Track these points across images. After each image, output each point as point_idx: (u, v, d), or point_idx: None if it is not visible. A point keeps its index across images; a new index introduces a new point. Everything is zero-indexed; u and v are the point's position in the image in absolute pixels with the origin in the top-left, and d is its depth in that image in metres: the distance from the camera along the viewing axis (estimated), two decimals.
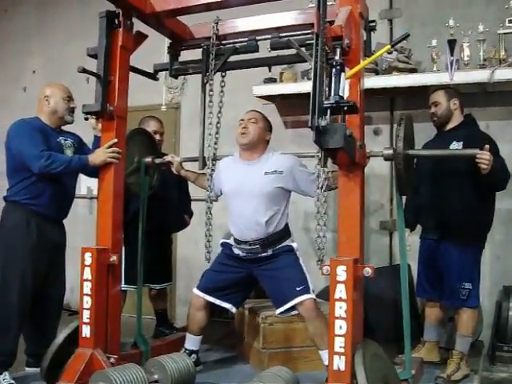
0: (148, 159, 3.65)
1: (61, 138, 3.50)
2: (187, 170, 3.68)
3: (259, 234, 3.33)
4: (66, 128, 3.59)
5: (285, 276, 3.29)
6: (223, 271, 3.50)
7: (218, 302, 3.46)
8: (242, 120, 3.46)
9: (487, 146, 3.02)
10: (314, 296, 3.26)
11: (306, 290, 3.23)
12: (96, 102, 3.07)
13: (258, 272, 3.42)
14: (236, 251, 3.46)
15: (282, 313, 3.32)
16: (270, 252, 3.37)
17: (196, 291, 3.52)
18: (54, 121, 3.48)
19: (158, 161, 3.67)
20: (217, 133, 3.43)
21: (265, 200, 3.33)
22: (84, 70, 3.03)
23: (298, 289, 3.23)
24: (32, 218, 3.33)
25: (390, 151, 2.84)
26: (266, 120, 3.53)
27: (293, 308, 3.26)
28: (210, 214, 3.45)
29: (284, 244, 3.39)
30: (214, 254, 3.54)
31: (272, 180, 3.33)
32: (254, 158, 3.44)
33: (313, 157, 2.98)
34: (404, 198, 3.13)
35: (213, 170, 3.50)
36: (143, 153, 3.68)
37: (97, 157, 3.20)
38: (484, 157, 3.00)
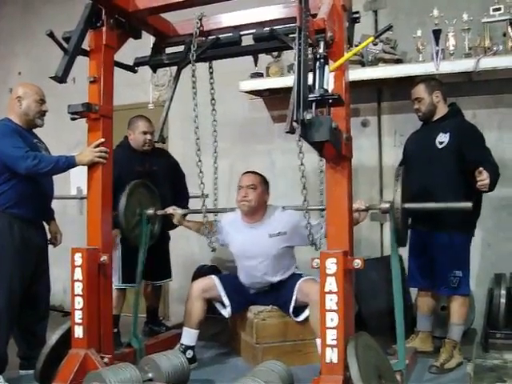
0: (150, 211, 3.66)
1: (35, 140, 3.49)
2: (189, 221, 3.74)
3: (269, 282, 3.59)
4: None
5: (286, 286, 3.54)
6: (234, 284, 3.69)
7: (223, 293, 3.60)
8: (240, 186, 3.54)
9: (481, 169, 3.10)
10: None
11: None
12: (57, 72, 2.98)
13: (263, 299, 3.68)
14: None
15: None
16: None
17: (213, 277, 3.69)
18: (24, 122, 3.44)
19: (159, 212, 3.70)
20: (197, 128, 3.38)
21: (272, 261, 3.52)
22: (51, 34, 2.98)
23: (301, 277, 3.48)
24: (14, 222, 3.31)
25: (387, 205, 2.94)
26: (263, 181, 3.61)
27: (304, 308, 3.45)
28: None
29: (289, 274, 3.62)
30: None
31: (277, 242, 3.49)
32: (256, 221, 3.58)
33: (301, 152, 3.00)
34: None
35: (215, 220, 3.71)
36: (145, 205, 3.71)
37: (84, 156, 3.18)
38: (485, 183, 3.11)
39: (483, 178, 3.11)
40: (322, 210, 3.27)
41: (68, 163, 3.23)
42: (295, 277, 3.58)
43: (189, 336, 3.57)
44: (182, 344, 3.56)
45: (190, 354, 3.48)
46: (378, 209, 3.01)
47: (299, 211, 3.36)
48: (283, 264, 3.57)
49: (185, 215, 3.70)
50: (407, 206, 2.98)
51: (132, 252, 3.73)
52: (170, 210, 3.67)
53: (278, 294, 3.59)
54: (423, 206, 3.21)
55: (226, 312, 3.67)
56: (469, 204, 2.97)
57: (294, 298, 3.46)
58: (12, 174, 3.27)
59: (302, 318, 3.50)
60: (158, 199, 3.85)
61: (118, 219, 3.50)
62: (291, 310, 3.49)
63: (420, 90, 3.59)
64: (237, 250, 3.65)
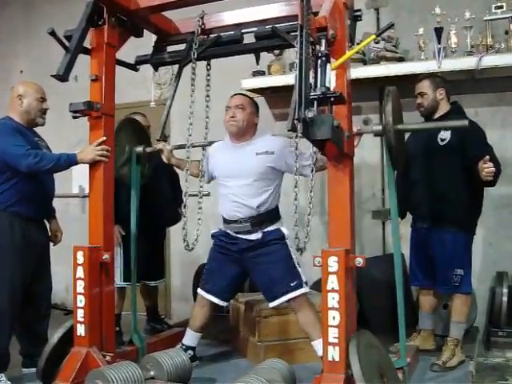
0: (139, 148, 3.63)
1: (36, 138, 3.49)
2: (178, 159, 3.64)
3: (250, 213, 3.33)
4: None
5: (278, 271, 3.29)
6: (220, 270, 3.48)
7: (218, 301, 3.48)
8: (228, 107, 3.42)
9: (488, 157, 3.09)
10: (307, 289, 3.27)
11: (299, 285, 3.25)
12: (59, 70, 2.96)
13: (250, 265, 3.40)
14: (225, 242, 3.45)
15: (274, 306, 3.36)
16: (259, 235, 3.34)
17: (202, 292, 3.52)
18: (25, 121, 3.44)
19: (149, 149, 3.66)
20: (190, 117, 3.40)
21: (257, 180, 3.33)
22: (53, 32, 2.97)
23: (291, 284, 3.24)
24: (15, 220, 3.31)
25: (380, 127, 2.84)
26: (253, 103, 3.49)
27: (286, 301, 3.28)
28: (200, 208, 3.47)
29: (274, 227, 3.37)
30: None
31: (263, 160, 3.33)
32: (244, 141, 3.43)
33: (297, 149, 3.02)
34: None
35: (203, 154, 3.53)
36: (134, 142, 3.66)
37: (86, 154, 3.18)
38: (491, 170, 3.10)
39: (489, 165, 3.10)
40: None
41: (69, 161, 3.23)
42: (282, 251, 3.32)
43: (190, 337, 3.56)
44: (183, 344, 3.55)
45: (190, 353, 3.45)
46: (371, 132, 2.89)
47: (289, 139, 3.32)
48: (266, 188, 3.35)
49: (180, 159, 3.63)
50: (400, 126, 2.90)
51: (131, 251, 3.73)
52: (159, 145, 3.61)
53: (265, 274, 3.34)
54: (420, 126, 3.15)
55: (225, 305, 3.59)
56: (465, 122, 2.92)
57: (283, 299, 3.27)
58: (13, 173, 3.27)
59: (274, 305, 3.36)
60: (148, 137, 3.82)
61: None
62: (274, 304, 3.33)
63: (424, 85, 3.59)
64: (222, 170, 3.47)
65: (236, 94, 3.53)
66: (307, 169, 3.15)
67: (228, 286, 3.49)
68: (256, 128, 3.48)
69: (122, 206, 3.61)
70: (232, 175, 3.38)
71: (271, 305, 3.34)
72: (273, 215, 3.39)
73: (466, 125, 2.88)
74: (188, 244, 3.40)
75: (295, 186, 2.90)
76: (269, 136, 3.47)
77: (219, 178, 3.49)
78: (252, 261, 3.38)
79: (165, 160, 3.60)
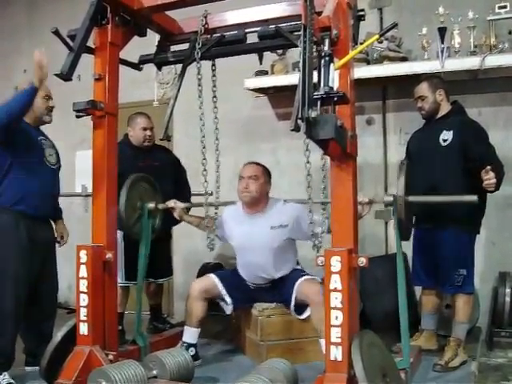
0: (151, 205, 3.65)
1: (41, 137, 3.49)
2: (190, 215, 3.72)
3: (271, 278, 3.57)
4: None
5: (287, 283, 3.51)
6: (235, 281, 3.66)
7: (224, 292, 3.58)
8: (242, 177, 3.52)
9: (489, 168, 3.09)
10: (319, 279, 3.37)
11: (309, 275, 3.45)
12: (63, 69, 2.92)
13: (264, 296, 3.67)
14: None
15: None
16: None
17: (212, 276, 3.66)
18: (32, 119, 3.44)
19: (160, 206, 3.68)
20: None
21: (273, 253, 3.49)
22: (57, 32, 2.99)
23: (302, 274, 3.47)
24: (20, 219, 3.30)
25: (391, 198, 2.94)
26: (265, 172, 3.59)
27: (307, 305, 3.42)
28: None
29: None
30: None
31: (278, 234, 3.48)
32: (257, 211, 3.55)
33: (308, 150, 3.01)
34: None
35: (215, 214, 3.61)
36: (145, 199, 3.69)
37: (38, 76, 3.04)
38: (492, 182, 3.11)
39: (490, 177, 3.10)
40: (325, 203, 3.20)
41: (26, 94, 3.09)
42: (295, 273, 3.55)
43: (190, 334, 3.58)
44: (184, 342, 3.57)
45: (192, 351, 3.48)
46: (382, 202, 2.99)
47: (301, 204, 3.36)
48: (284, 257, 3.55)
49: (188, 210, 3.70)
50: (411, 198, 2.95)
51: (135, 249, 3.74)
52: (171, 203, 3.64)
53: (278, 291, 3.58)
54: (427, 199, 3.19)
55: (229, 309, 3.66)
56: (474, 197, 2.93)
57: (293, 296, 3.45)
58: (9, 166, 3.26)
59: (304, 315, 3.50)
60: (160, 193, 3.84)
61: (117, 216, 3.48)
62: (292, 308, 3.50)
63: (423, 89, 3.58)
64: (237, 242, 3.62)
65: (249, 164, 3.62)
66: (319, 233, 3.19)
67: (238, 289, 3.67)
68: (268, 196, 3.60)
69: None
70: (248, 248, 3.54)
71: (302, 317, 3.53)
72: (292, 270, 3.60)
73: (476, 201, 2.94)
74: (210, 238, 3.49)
75: (308, 187, 2.87)
76: (281, 205, 3.57)
77: (236, 248, 3.67)
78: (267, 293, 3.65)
79: (177, 217, 3.68)
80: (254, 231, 3.50)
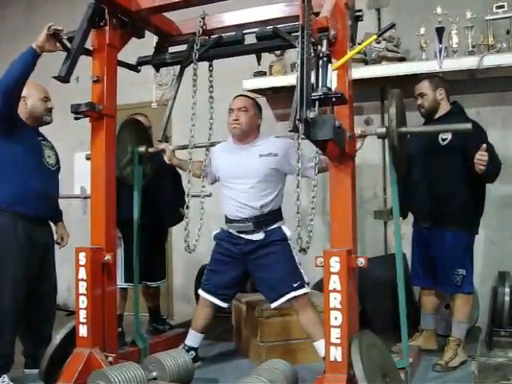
0: (142, 148, 3.63)
1: (40, 138, 3.49)
2: (180, 159, 3.64)
3: (253, 213, 3.36)
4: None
5: (280, 272, 3.30)
6: (221, 271, 3.49)
7: (219, 303, 3.49)
8: (231, 109, 3.44)
9: (484, 146, 3.07)
10: (308, 290, 3.29)
11: (301, 286, 3.27)
12: (60, 72, 2.94)
13: (251, 267, 3.42)
14: (226, 243, 3.47)
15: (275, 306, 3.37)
16: (262, 235, 3.36)
17: (202, 293, 3.54)
18: (32, 121, 3.44)
19: (151, 149, 3.66)
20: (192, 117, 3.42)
21: (260, 182, 3.35)
22: (55, 33, 2.99)
23: (293, 285, 3.26)
24: (18, 220, 3.29)
25: (383, 129, 2.84)
26: (256, 105, 3.52)
27: (287, 301, 3.29)
28: (202, 209, 3.48)
29: (276, 226, 3.40)
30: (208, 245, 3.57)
31: (267, 162, 3.35)
32: (248, 142, 3.45)
33: (299, 149, 3.01)
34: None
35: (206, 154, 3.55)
36: (136, 143, 3.66)
37: (39, 37, 3.02)
38: (483, 158, 3.09)
39: (483, 153, 3.10)
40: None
41: (28, 55, 3.06)
42: (284, 252, 3.35)
43: (193, 338, 3.57)
44: (186, 345, 3.56)
45: (192, 354, 3.46)
46: (375, 134, 2.89)
47: (293, 140, 3.27)
48: (269, 188, 3.38)
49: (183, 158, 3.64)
50: (404, 129, 2.90)
51: (132, 251, 3.73)
52: (161, 145, 3.61)
53: (267, 275, 3.35)
54: (422, 129, 3.14)
55: (225, 305, 3.57)
56: (468, 125, 2.89)
57: (284, 298, 3.28)
58: (10, 169, 3.26)
59: (275, 305, 3.37)
60: (150, 137, 3.83)
61: None
62: (276, 304, 3.34)
63: (424, 86, 3.59)
64: (225, 171, 3.49)
65: (238, 96, 3.55)
66: (310, 170, 3.17)
67: (229, 287, 3.50)
68: (259, 129, 3.50)
69: (125, 206, 3.61)
70: (236, 177, 3.40)
71: (273, 305, 3.35)
72: (276, 216, 3.41)
73: (470, 128, 2.86)
74: (189, 245, 3.41)
75: (297, 187, 2.91)
76: (272, 138, 3.49)
77: (223, 179, 3.51)
78: (254, 262, 3.39)
79: (166, 160, 3.61)
80: (242, 159, 3.41)
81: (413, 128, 3.04)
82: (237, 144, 3.48)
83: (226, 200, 3.45)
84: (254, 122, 3.45)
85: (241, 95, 3.60)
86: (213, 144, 3.56)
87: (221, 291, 3.48)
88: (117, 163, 3.42)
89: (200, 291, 3.56)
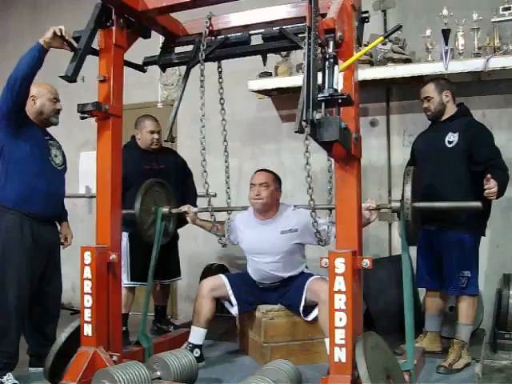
0: (165, 209, 3.69)
1: (47, 137, 3.50)
2: (202, 220, 3.74)
3: (280, 279, 3.62)
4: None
5: (296, 285, 3.56)
6: (246, 292, 3.71)
7: (230, 292, 3.63)
8: (253, 184, 3.56)
9: (489, 176, 3.10)
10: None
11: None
12: (67, 71, 2.94)
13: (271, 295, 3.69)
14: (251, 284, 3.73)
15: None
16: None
17: (222, 276, 3.73)
18: (39, 121, 3.45)
19: (174, 210, 3.71)
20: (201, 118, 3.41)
21: (283, 257, 3.54)
22: (61, 34, 3.00)
23: (311, 275, 3.54)
24: (24, 219, 3.31)
25: (398, 204, 2.91)
26: (276, 179, 3.64)
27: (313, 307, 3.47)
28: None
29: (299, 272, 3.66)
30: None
31: (288, 238, 3.52)
32: (268, 218, 3.60)
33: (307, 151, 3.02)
34: None
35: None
36: (160, 203, 3.73)
37: (46, 34, 3.04)
38: (492, 191, 3.12)
39: (490, 186, 3.11)
40: (330, 209, 3.28)
41: (35, 51, 3.07)
42: (304, 275, 3.59)
43: (197, 335, 3.59)
44: (190, 343, 3.57)
45: (197, 352, 3.49)
46: (389, 208, 3.01)
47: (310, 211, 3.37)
48: (293, 261, 3.59)
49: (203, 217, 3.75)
50: (418, 205, 2.96)
51: (140, 250, 3.74)
52: (184, 207, 3.68)
53: (287, 292, 3.59)
54: (433, 205, 3.19)
55: (234, 310, 3.70)
56: (478, 203, 2.94)
57: (303, 297, 3.47)
58: (8, 159, 3.28)
59: (311, 317, 3.51)
60: (173, 197, 3.87)
61: (133, 219, 3.53)
62: (301, 309, 3.50)
63: (430, 89, 3.59)
64: (248, 246, 3.67)
65: (259, 171, 3.66)
66: (329, 238, 3.36)
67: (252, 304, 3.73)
68: (279, 202, 3.65)
69: (130, 205, 3.61)
70: (259, 253, 3.60)
71: (309, 319, 3.55)
72: (301, 271, 3.68)
73: (480, 207, 2.94)
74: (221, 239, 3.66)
75: (309, 188, 2.88)
76: (291, 211, 3.61)
77: (246, 251, 3.72)
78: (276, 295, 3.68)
79: (190, 222, 3.71)
80: (264, 236, 3.55)
81: (426, 203, 3.08)
82: (258, 218, 3.63)
83: (252, 266, 3.68)
84: (275, 196, 3.60)
85: (262, 169, 3.69)
86: (231, 208, 3.68)
87: (239, 286, 3.68)
88: (141, 224, 3.55)
89: (215, 276, 3.77)
